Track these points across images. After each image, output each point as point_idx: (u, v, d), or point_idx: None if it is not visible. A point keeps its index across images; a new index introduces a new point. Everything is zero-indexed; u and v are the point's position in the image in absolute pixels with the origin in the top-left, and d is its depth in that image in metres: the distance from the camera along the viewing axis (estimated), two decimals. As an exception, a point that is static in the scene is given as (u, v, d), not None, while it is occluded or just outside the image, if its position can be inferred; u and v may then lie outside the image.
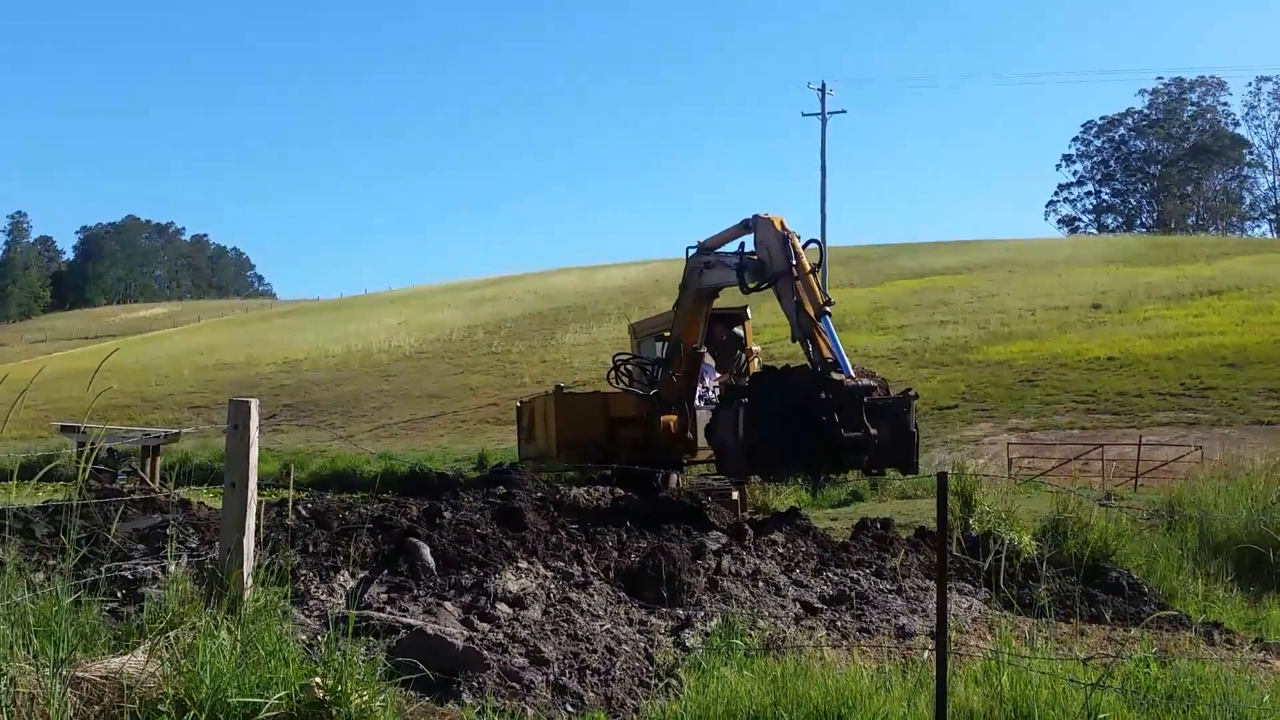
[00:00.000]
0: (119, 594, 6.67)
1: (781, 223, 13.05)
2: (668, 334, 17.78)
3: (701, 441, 16.97)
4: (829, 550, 11.17)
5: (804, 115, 55.64)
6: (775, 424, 11.25)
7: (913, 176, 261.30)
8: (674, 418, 16.42)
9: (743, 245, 13.74)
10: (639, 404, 16.78)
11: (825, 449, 11.27)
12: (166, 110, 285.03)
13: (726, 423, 11.65)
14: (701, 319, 15.43)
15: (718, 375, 16.89)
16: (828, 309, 12.46)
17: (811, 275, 12.72)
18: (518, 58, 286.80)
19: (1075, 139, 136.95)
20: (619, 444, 17.29)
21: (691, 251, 15.06)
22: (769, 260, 12.89)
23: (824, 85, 54.53)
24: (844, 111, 56.76)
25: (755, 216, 13.38)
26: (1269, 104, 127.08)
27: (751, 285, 13.10)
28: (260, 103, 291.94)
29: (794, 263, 12.54)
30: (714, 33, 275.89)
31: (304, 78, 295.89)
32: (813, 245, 12.92)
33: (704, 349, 15.95)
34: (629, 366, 17.17)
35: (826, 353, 11.96)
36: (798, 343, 12.52)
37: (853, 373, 11.86)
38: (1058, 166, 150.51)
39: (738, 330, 16.95)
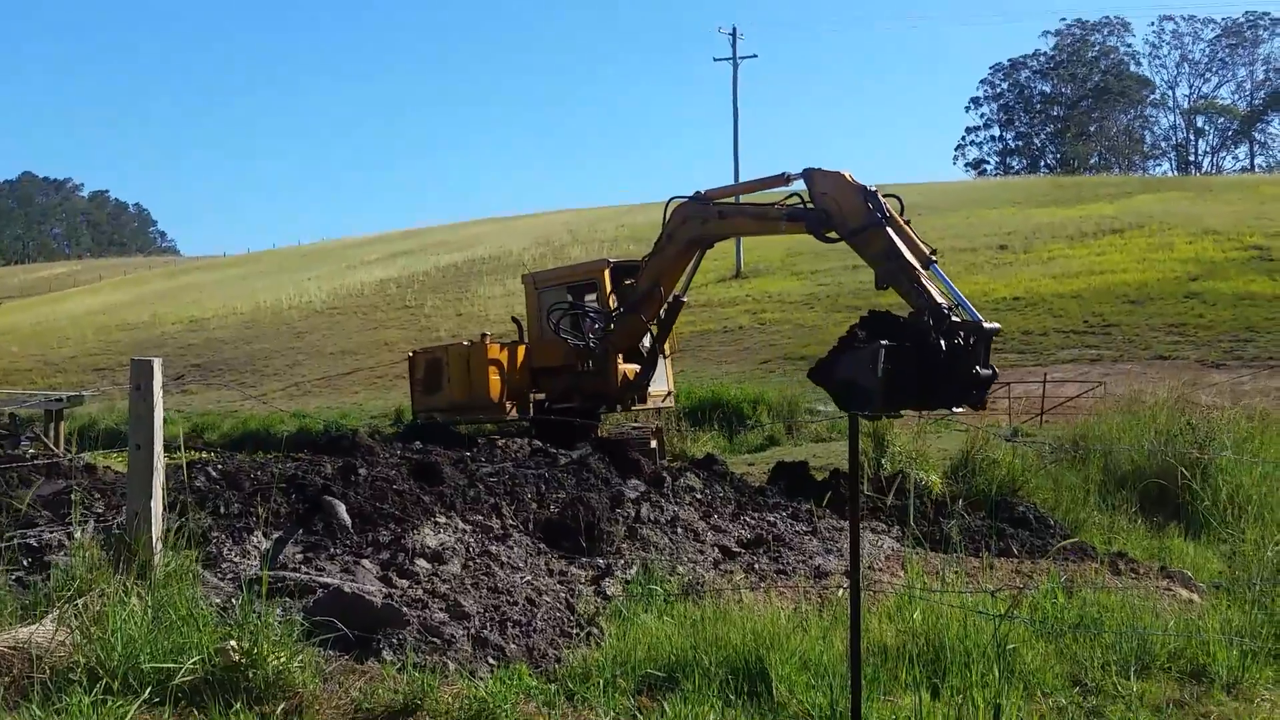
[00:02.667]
0: (25, 562, 6.51)
1: (850, 176, 13.34)
2: (571, 284, 17.89)
3: (657, 388, 17.17)
4: (746, 495, 11.31)
5: (715, 60, 55.62)
6: (913, 362, 11.74)
7: (825, 121, 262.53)
8: (633, 366, 16.60)
9: (798, 197, 14.01)
10: (566, 353, 16.83)
11: (962, 386, 11.79)
12: (61, 64, 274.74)
13: (862, 361, 11.98)
14: (689, 266, 15.62)
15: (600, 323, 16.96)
16: (934, 256, 12.89)
17: (907, 225, 13.06)
18: (424, 5, 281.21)
19: (983, 81, 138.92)
20: (547, 394, 17.35)
21: (677, 201, 15.16)
22: (839, 212, 13.22)
23: (735, 30, 54.48)
24: (755, 56, 56.98)
25: (807, 170, 13.68)
26: (1170, 43, 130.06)
27: (830, 235, 13.47)
28: (160, 55, 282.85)
29: (882, 214, 12.86)
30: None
31: (205, 28, 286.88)
32: (892, 199, 13.14)
33: (684, 297, 16.15)
34: (554, 318, 17.15)
35: (940, 297, 12.34)
36: (885, 290, 12.99)
37: (978, 315, 12.37)
38: (966, 109, 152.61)
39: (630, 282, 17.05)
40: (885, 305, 13.30)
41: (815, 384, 12.89)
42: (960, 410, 12.51)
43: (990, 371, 12.23)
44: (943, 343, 11.81)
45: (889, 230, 12.82)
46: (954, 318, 12.15)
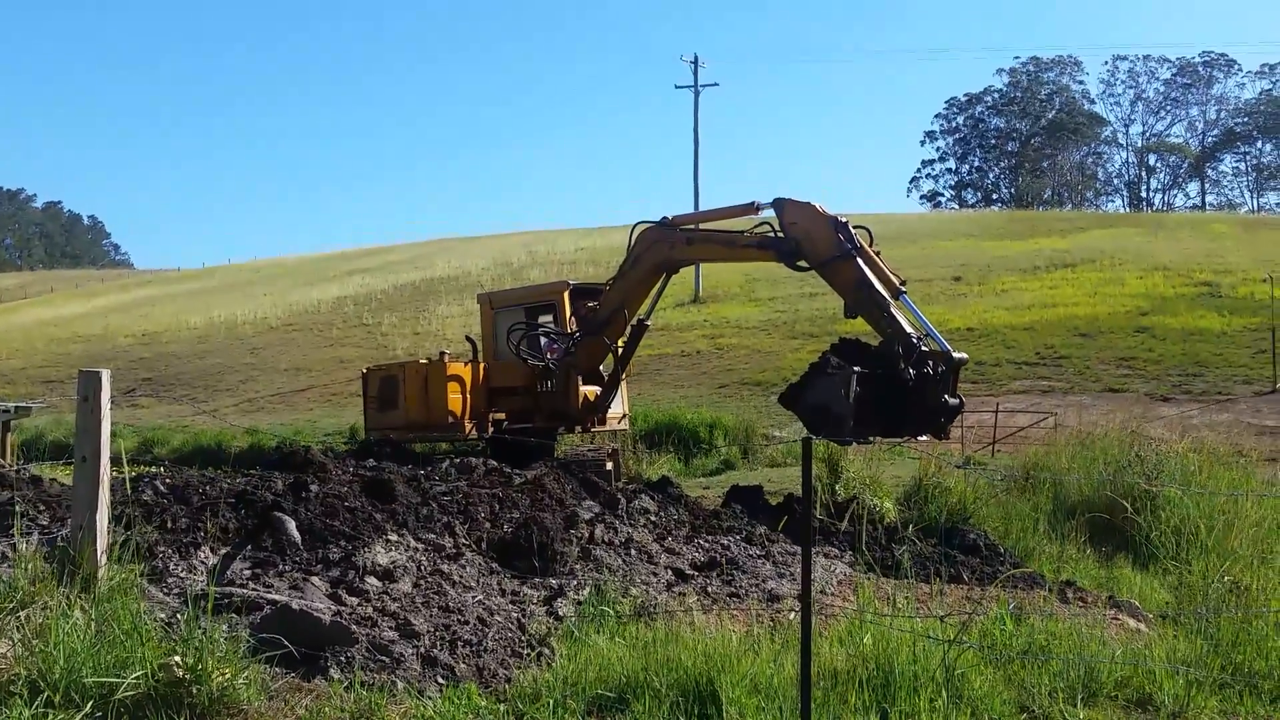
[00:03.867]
0: (-35, 575, 6.37)
1: (821, 207, 13.46)
2: (525, 306, 17.92)
3: (614, 411, 17.18)
4: (700, 518, 11.31)
5: (677, 87, 56.04)
6: (884, 389, 12.03)
7: (783, 150, 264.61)
8: (593, 388, 16.61)
9: (768, 225, 14.15)
10: (525, 374, 16.79)
11: (930, 413, 12.18)
12: (15, 73, 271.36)
13: (834, 387, 12.04)
14: (654, 290, 15.67)
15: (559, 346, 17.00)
16: (903, 286, 13.05)
17: (877, 256, 13.21)
18: (385, 22, 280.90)
19: (938, 116, 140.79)
20: (506, 413, 17.29)
21: (643, 226, 15.21)
22: (809, 242, 13.34)
23: (696, 58, 54.93)
24: (716, 85, 57.59)
25: (778, 200, 13.77)
26: (1125, 81, 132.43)
27: (800, 264, 13.64)
28: (118, 66, 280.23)
29: (853, 245, 13.01)
30: (585, 5, 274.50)
31: (164, 40, 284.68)
32: (862, 231, 13.32)
33: (648, 320, 16.18)
34: (513, 339, 17.10)
35: (909, 327, 12.50)
36: (854, 319, 13.16)
37: (947, 345, 12.64)
38: (921, 143, 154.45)
39: (593, 304, 17.07)
40: (845, 332, 13.45)
41: (786, 408, 13.09)
42: (924, 438, 12.67)
43: (958, 401, 12.41)
44: (912, 371, 11.96)
45: (859, 261, 12.94)
46: (924, 347, 12.29)
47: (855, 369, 12.01)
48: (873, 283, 12.82)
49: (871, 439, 12.78)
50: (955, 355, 12.51)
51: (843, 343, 12.79)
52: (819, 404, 12.12)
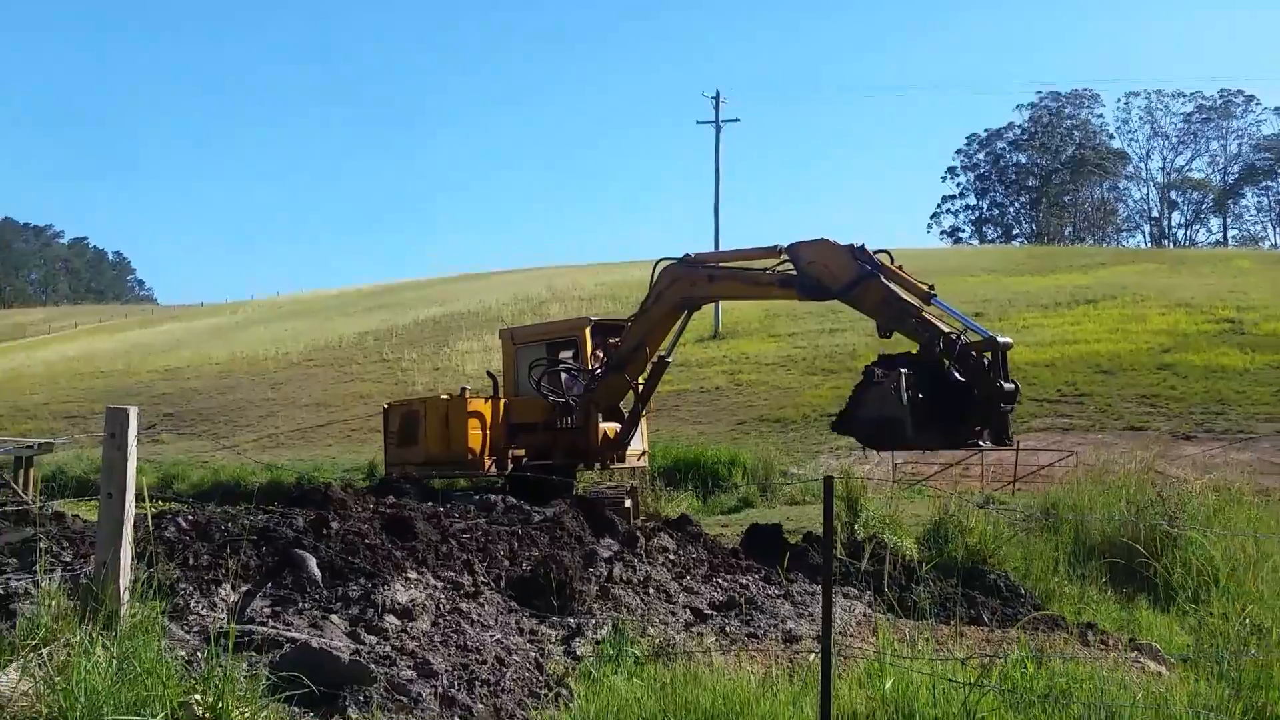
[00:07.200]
0: (-11, 611, 6.43)
1: (833, 240, 13.73)
2: (547, 340, 17.99)
3: (633, 447, 17.20)
4: (719, 556, 11.29)
5: (699, 123, 56.21)
6: (937, 387, 12.11)
7: (803, 185, 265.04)
8: (613, 425, 16.66)
9: (778, 267, 14.41)
10: (546, 410, 16.83)
11: (985, 406, 12.19)
12: (45, 111, 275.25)
13: (885, 393, 12.06)
14: (676, 327, 15.78)
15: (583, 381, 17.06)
16: (932, 290, 13.13)
17: (900, 269, 13.39)
18: (406, 58, 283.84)
19: (958, 151, 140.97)
20: (525, 449, 17.32)
21: (665, 263, 15.33)
22: (829, 275, 13.56)
23: (718, 93, 55.12)
24: (738, 120, 57.43)
25: (791, 246, 14.06)
26: (1140, 117, 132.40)
27: (816, 298, 14.16)
28: (147, 104, 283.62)
29: (872, 265, 13.20)
30: (607, 41, 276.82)
31: (188, 80, 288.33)
32: (883, 254, 13.47)
33: (669, 357, 16.29)
34: (535, 375, 17.17)
35: (946, 327, 12.64)
36: (889, 337, 13.24)
37: (988, 332, 12.74)
38: (943, 178, 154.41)
39: (614, 341, 17.13)
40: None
41: (842, 434, 13.01)
42: (988, 445, 12.56)
43: (1013, 385, 12.30)
44: (958, 368, 11.96)
45: (881, 278, 13.01)
46: (965, 339, 12.31)
47: (902, 369, 12.04)
48: (899, 295, 12.93)
49: (933, 448, 12.67)
50: (1000, 339, 12.45)
51: (882, 357, 12.80)
52: (873, 416, 12.07)
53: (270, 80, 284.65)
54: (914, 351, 12.68)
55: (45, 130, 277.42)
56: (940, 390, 12.10)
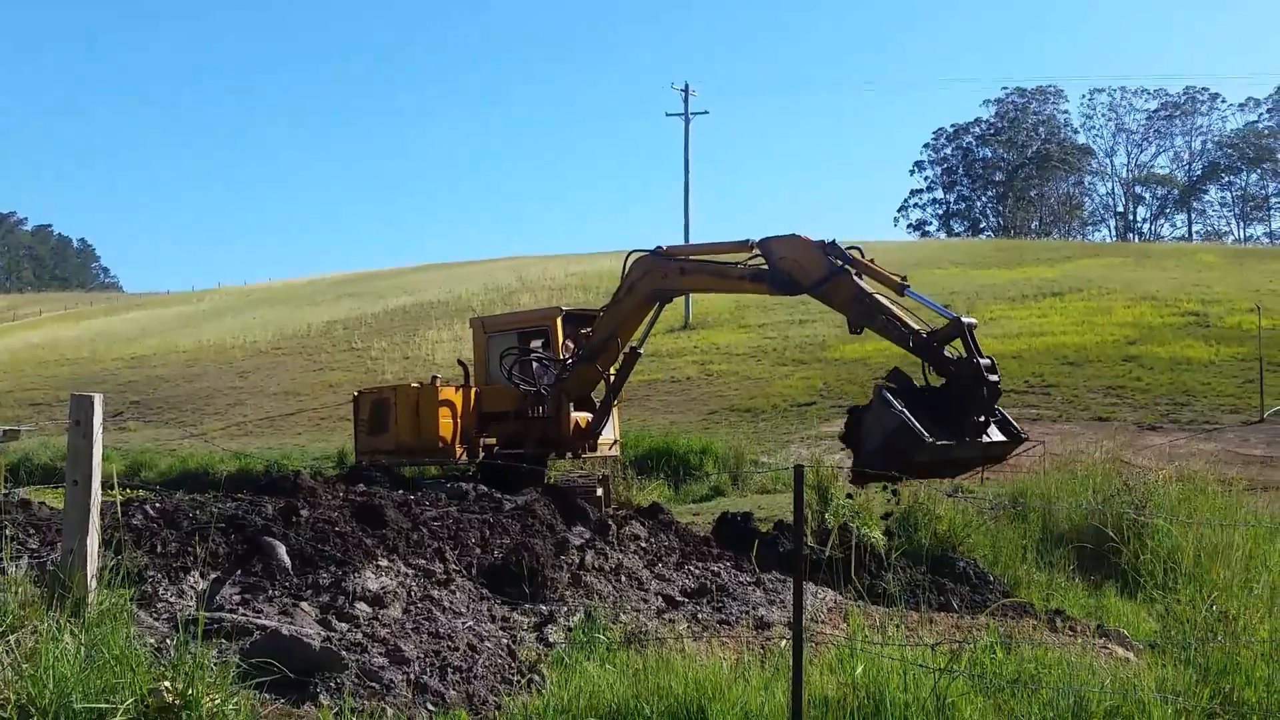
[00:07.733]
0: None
1: (805, 236, 13.67)
2: (518, 330, 17.95)
3: (605, 436, 17.16)
4: (690, 544, 11.32)
5: (668, 115, 56.14)
6: (932, 398, 12.00)
7: (772, 178, 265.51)
8: (584, 414, 16.63)
9: (749, 261, 14.34)
10: (517, 399, 16.80)
11: (974, 388, 11.93)
12: (6, 97, 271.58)
13: (879, 411, 11.93)
14: (647, 318, 15.75)
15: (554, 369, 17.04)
16: (905, 281, 13.03)
17: (872, 263, 13.32)
18: (374, 48, 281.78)
19: (926, 145, 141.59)
20: (496, 438, 17.28)
21: (637, 254, 15.28)
22: (800, 271, 13.52)
23: (687, 86, 55.07)
24: (707, 112, 57.31)
25: (762, 241, 13.96)
26: (1104, 114, 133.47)
27: (788, 293, 13.94)
28: (111, 90, 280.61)
29: (844, 260, 13.19)
30: (577, 32, 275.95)
31: (154, 66, 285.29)
32: (854, 250, 13.46)
33: (641, 348, 16.26)
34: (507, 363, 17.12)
35: (916, 324, 12.60)
36: (859, 334, 13.38)
37: (953, 314, 12.64)
38: (910, 172, 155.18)
39: (586, 331, 17.13)
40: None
41: (868, 478, 12.62)
42: (998, 436, 12.42)
43: (989, 360, 12.21)
44: (934, 364, 12.00)
45: (852, 275, 13.04)
46: (932, 328, 12.33)
47: (879, 387, 12.06)
48: (870, 294, 12.93)
49: (955, 443, 12.31)
50: (964, 320, 12.45)
51: (891, 373, 12.81)
52: (879, 438, 11.81)
53: (239, 68, 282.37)
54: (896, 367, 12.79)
55: (7, 117, 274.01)
56: (932, 391, 12.12)
